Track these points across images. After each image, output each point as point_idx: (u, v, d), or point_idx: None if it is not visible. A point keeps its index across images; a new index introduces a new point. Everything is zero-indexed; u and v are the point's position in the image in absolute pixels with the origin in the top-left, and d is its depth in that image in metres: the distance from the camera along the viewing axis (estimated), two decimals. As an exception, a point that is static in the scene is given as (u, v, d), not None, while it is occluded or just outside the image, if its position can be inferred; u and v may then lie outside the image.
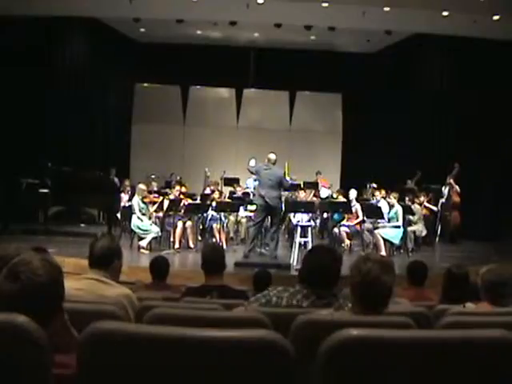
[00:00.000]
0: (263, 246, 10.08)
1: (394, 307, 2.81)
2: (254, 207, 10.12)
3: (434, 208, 11.55)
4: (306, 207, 10.23)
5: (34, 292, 1.78)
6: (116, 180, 13.45)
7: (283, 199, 10.34)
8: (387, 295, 2.46)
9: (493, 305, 3.21)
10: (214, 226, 10.61)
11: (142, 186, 10.31)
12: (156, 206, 10.42)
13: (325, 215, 11.62)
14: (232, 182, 12.99)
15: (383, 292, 2.44)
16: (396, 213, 10.16)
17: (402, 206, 10.44)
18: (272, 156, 9.19)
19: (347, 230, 10.57)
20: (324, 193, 12.89)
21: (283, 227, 12.35)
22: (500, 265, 3.40)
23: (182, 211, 10.21)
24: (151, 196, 11.07)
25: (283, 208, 10.25)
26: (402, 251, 10.52)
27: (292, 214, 10.74)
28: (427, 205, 12.06)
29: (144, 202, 10.11)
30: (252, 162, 9.66)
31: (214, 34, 15.37)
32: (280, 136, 16.22)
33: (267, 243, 9.85)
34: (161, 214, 10.52)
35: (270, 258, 9.32)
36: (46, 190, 11.03)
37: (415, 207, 11.15)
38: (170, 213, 10.25)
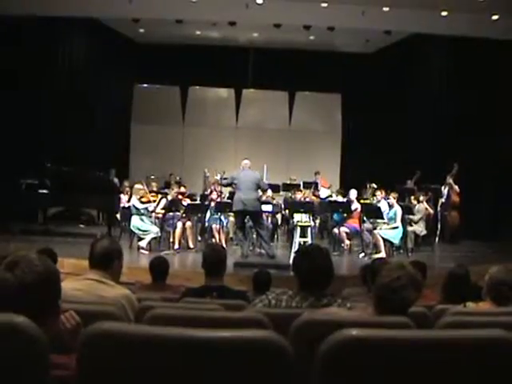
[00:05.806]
0: (262, 247, 10.07)
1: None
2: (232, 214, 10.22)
3: (431, 210, 11.53)
4: (306, 207, 10.23)
5: (32, 282, 1.80)
6: (115, 180, 13.42)
7: (282, 200, 10.39)
8: (404, 308, 2.44)
9: (496, 304, 3.20)
10: (214, 226, 10.60)
11: (138, 186, 10.30)
12: (154, 205, 10.39)
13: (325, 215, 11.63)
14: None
15: (402, 303, 2.42)
16: (395, 213, 10.16)
17: (401, 206, 10.43)
18: (246, 161, 9.53)
19: (347, 230, 10.55)
20: (324, 193, 12.89)
21: (283, 228, 12.37)
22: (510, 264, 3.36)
23: (182, 211, 10.20)
24: (148, 195, 11.03)
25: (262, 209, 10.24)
26: (401, 251, 10.50)
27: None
28: (425, 205, 12.03)
29: (142, 202, 10.08)
30: (219, 176, 10.24)
31: (214, 34, 15.37)
32: (279, 136, 16.25)
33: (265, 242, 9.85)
34: (160, 215, 10.51)
35: (268, 255, 9.26)
36: (45, 191, 10.98)
37: (419, 206, 11.12)
38: (170, 213, 10.24)
